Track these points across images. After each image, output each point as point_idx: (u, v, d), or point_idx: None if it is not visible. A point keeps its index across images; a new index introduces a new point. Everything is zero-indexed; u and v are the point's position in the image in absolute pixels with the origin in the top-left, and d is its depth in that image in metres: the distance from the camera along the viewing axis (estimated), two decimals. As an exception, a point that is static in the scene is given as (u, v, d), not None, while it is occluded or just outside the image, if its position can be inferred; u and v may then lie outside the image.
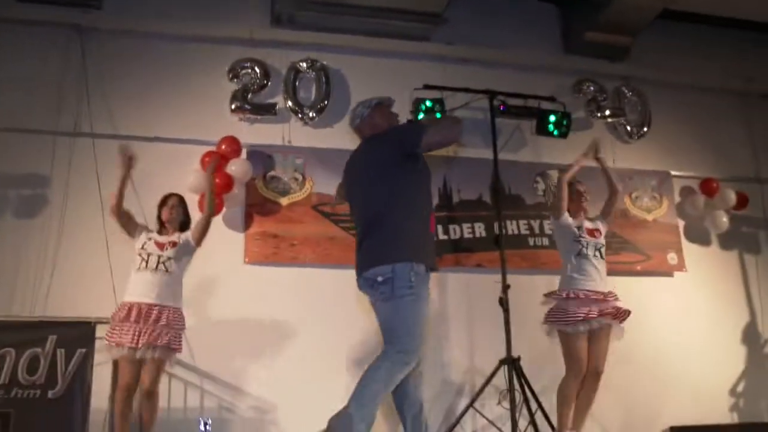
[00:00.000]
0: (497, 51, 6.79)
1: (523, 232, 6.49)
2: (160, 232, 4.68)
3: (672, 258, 6.80)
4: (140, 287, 4.37)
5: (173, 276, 4.46)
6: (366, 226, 3.40)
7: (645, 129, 7.10)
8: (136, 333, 4.25)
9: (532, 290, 6.27)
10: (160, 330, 4.29)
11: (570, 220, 4.92)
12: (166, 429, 5.16)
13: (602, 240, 4.94)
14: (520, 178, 6.64)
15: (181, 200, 4.85)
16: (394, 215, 3.34)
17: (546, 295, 5.03)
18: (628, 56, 7.18)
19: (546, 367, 6.07)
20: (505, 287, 5.61)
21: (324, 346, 5.76)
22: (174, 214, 4.67)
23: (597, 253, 4.85)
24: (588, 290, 4.71)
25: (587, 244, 4.83)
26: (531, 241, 6.48)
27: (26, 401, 4.46)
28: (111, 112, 5.97)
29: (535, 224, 6.51)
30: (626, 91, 7.14)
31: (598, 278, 4.79)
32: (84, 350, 4.59)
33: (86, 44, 6.02)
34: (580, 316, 4.62)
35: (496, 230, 5.82)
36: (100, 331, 4.70)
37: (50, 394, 4.48)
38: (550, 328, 4.87)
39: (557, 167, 6.71)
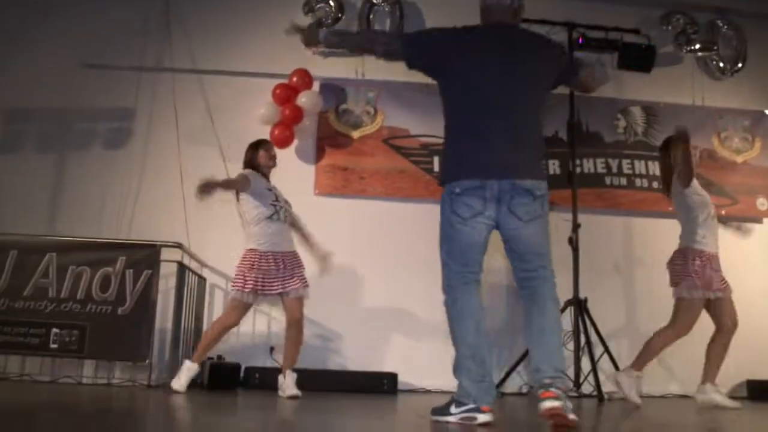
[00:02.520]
0: (580, -19, 6.48)
1: (600, 170, 6.28)
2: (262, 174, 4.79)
3: (762, 203, 6.43)
4: (278, 237, 4.56)
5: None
6: (520, 128, 3.06)
7: (739, 65, 6.65)
8: (281, 280, 4.47)
9: (606, 230, 6.13)
10: (300, 272, 4.58)
11: (699, 187, 4.66)
12: (235, 351, 5.43)
13: None
14: (599, 115, 6.39)
15: None
16: (540, 131, 3.23)
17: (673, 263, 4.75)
18: (724, -13, 6.72)
19: (613, 310, 5.97)
20: (576, 226, 5.51)
21: (389, 279, 5.84)
22: (273, 161, 4.79)
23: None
24: (713, 252, 4.53)
25: (712, 207, 4.66)
26: (608, 180, 6.26)
27: (99, 316, 4.80)
28: (191, 48, 6.15)
29: (614, 163, 6.29)
30: (721, 24, 6.69)
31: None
32: (150, 272, 4.87)
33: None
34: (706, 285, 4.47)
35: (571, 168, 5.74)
36: (165, 253, 4.97)
37: (120, 310, 4.79)
38: (679, 291, 4.57)
39: (639, 103, 6.45)
